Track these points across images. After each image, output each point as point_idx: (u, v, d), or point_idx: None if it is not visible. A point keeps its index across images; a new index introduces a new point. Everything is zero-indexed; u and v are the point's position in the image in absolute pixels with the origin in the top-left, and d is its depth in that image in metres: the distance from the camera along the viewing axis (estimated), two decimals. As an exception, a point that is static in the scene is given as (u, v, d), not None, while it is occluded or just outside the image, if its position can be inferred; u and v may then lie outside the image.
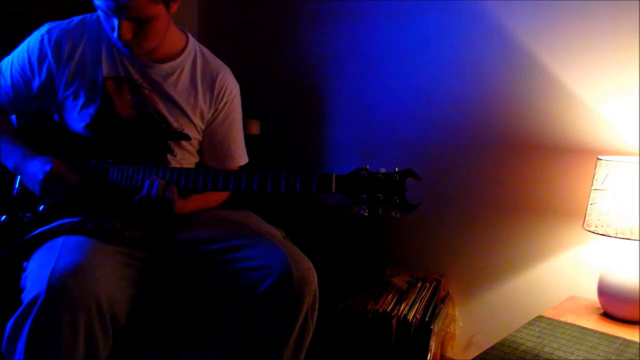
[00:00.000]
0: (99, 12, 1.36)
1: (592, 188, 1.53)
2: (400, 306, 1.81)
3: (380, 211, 1.27)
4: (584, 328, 1.48)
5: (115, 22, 1.33)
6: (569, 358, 1.32)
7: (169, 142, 1.53)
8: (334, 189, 1.27)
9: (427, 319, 1.76)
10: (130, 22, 1.33)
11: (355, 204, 1.27)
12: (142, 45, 1.39)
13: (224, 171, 1.37)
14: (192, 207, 1.53)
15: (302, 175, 1.28)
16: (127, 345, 1.38)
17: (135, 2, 1.29)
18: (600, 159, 1.52)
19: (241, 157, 1.68)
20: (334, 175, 1.27)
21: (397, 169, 1.27)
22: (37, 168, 1.39)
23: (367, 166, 1.28)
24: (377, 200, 1.26)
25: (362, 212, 1.27)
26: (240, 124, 1.66)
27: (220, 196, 1.64)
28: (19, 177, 1.50)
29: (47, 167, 1.38)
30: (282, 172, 1.30)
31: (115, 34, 1.34)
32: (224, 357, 1.41)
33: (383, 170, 1.28)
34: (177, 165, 1.55)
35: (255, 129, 2.21)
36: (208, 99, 1.56)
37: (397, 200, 1.25)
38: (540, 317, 1.55)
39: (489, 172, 1.90)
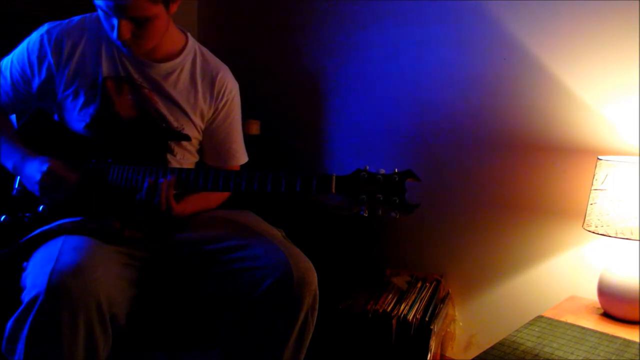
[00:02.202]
0: (99, 12, 1.36)
1: (592, 188, 1.53)
2: (400, 306, 1.81)
3: (380, 212, 1.27)
4: (584, 328, 1.48)
5: (115, 21, 1.33)
6: (569, 358, 1.32)
7: (169, 141, 1.53)
8: (334, 190, 1.27)
9: (427, 319, 1.76)
10: (130, 22, 1.33)
11: (355, 204, 1.27)
12: (141, 45, 1.39)
13: (224, 171, 1.37)
14: (193, 209, 1.53)
15: (302, 177, 1.28)
16: (127, 345, 1.38)
17: (135, 2, 1.29)
18: (600, 159, 1.52)
19: (242, 156, 1.68)
20: (334, 176, 1.27)
21: (396, 170, 1.27)
22: (35, 169, 1.39)
23: (367, 167, 1.28)
24: (376, 201, 1.26)
25: (362, 213, 1.27)
26: (240, 123, 1.67)
27: (220, 196, 1.64)
28: (18, 177, 1.49)
29: (45, 167, 1.38)
30: (282, 173, 1.30)
31: (114, 34, 1.34)
32: (224, 357, 1.41)
33: (382, 171, 1.28)
34: (177, 165, 1.55)
35: (255, 129, 2.20)
36: (208, 98, 1.56)
37: (397, 201, 1.25)
38: (540, 317, 1.55)
39: (489, 172, 1.90)
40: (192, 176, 1.37)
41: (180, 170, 1.39)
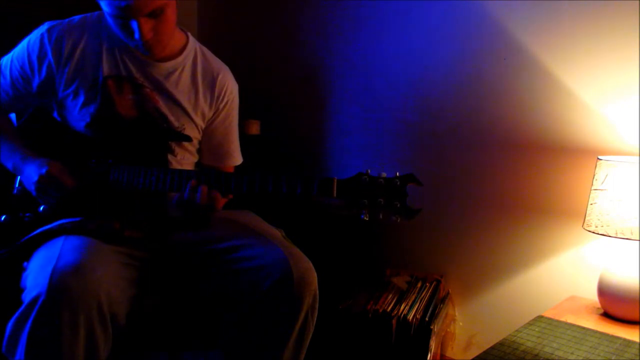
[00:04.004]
0: (113, 20, 1.35)
1: (592, 188, 1.53)
2: (400, 306, 1.81)
3: (381, 216, 1.27)
4: (584, 328, 1.48)
5: (135, 24, 1.32)
6: (569, 358, 1.32)
7: (170, 142, 1.53)
8: (335, 194, 1.27)
9: (427, 319, 1.76)
10: (149, 20, 1.33)
11: (356, 208, 1.26)
12: (160, 40, 1.39)
13: (225, 173, 1.37)
14: None
15: (304, 180, 1.28)
16: (127, 345, 1.38)
17: None
18: (600, 159, 1.52)
19: (238, 157, 1.68)
20: (336, 180, 1.27)
21: (397, 174, 1.27)
22: (34, 170, 1.39)
23: (369, 170, 1.28)
24: (378, 206, 1.26)
25: (362, 217, 1.26)
26: (237, 124, 1.67)
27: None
28: (19, 176, 1.49)
29: (44, 170, 1.38)
30: (284, 176, 1.30)
31: (137, 36, 1.33)
32: (224, 357, 1.42)
33: (384, 174, 1.27)
34: (177, 165, 1.55)
35: (255, 129, 2.21)
36: (209, 99, 1.56)
37: (398, 206, 1.25)
38: (540, 317, 1.55)
39: (489, 172, 1.90)
40: (194, 177, 1.37)
41: (181, 171, 1.39)
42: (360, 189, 1.26)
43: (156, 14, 1.33)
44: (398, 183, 1.25)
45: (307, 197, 1.28)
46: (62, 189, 1.39)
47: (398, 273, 2.04)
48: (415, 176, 1.25)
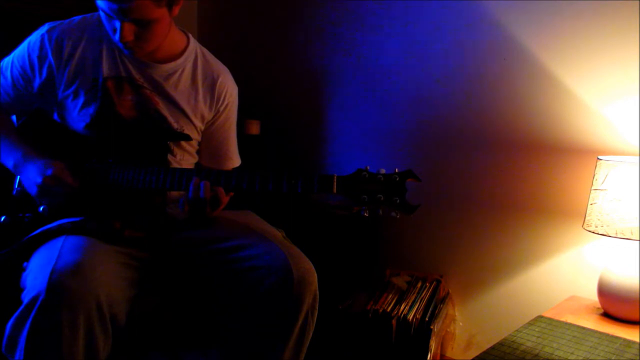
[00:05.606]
0: (101, 13, 1.36)
1: (592, 188, 1.53)
2: (400, 306, 1.81)
3: (381, 212, 1.27)
4: (584, 328, 1.48)
5: (117, 24, 1.32)
6: (569, 358, 1.32)
7: (169, 142, 1.53)
8: (335, 190, 1.27)
9: (427, 319, 1.76)
10: (132, 24, 1.33)
11: (356, 204, 1.27)
12: (143, 47, 1.39)
13: (225, 171, 1.38)
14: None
15: (304, 177, 1.29)
16: (127, 345, 1.38)
17: (137, 4, 1.29)
18: (600, 159, 1.52)
19: (237, 159, 1.68)
20: (335, 177, 1.27)
21: (397, 170, 1.28)
22: (38, 170, 1.39)
23: (368, 167, 1.29)
24: (377, 201, 1.26)
25: (362, 212, 1.27)
26: (235, 126, 1.67)
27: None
28: (18, 177, 1.49)
29: (49, 171, 1.37)
30: (284, 173, 1.30)
31: (116, 36, 1.34)
32: (223, 357, 1.42)
33: (383, 171, 1.28)
34: (177, 166, 1.55)
35: (255, 129, 2.21)
36: (208, 101, 1.56)
37: (398, 201, 1.25)
38: (540, 317, 1.55)
39: (489, 172, 1.90)
40: (195, 176, 1.37)
41: (182, 170, 1.39)
42: (360, 185, 1.27)
43: (142, 24, 1.33)
44: (397, 179, 1.26)
45: (308, 194, 1.28)
46: (68, 189, 1.39)
47: (398, 273, 2.04)
48: (414, 172, 1.26)
